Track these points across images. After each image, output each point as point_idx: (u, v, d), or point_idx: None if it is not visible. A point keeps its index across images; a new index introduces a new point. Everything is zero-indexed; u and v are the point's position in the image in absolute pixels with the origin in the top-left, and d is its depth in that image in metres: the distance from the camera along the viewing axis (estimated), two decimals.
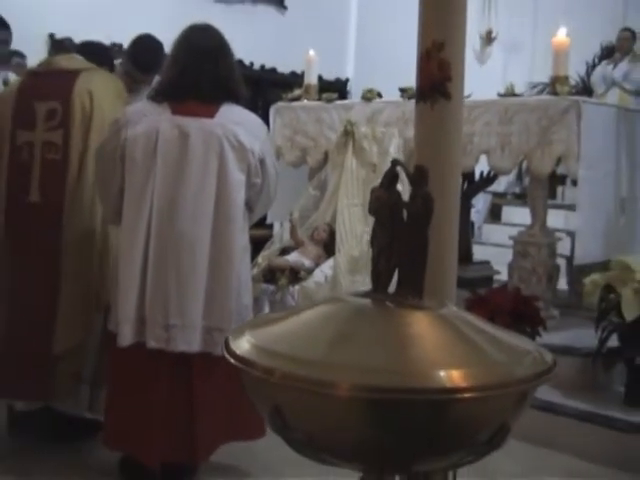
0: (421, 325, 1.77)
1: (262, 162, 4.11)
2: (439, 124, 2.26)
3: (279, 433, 1.76)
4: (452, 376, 1.65)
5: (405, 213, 1.81)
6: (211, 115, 4.02)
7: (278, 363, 1.68)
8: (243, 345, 1.78)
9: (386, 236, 1.81)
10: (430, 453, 1.75)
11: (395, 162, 1.82)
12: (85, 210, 4.44)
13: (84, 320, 4.41)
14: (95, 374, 4.48)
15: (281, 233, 6.87)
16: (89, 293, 4.45)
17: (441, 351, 1.73)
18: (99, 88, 4.54)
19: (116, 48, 7.73)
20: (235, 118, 4.08)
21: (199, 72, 4.05)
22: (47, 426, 4.62)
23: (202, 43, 4.13)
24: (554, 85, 5.75)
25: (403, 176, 1.89)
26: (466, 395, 1.64)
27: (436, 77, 2.25)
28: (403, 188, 1.87)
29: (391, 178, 1.81)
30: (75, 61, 4.75)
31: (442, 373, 1.66)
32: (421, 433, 1.68)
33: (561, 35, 5.81)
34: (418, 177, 1.81)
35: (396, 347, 1.71)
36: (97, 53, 4.95)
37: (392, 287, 1.88)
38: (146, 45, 5.40)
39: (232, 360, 1.77)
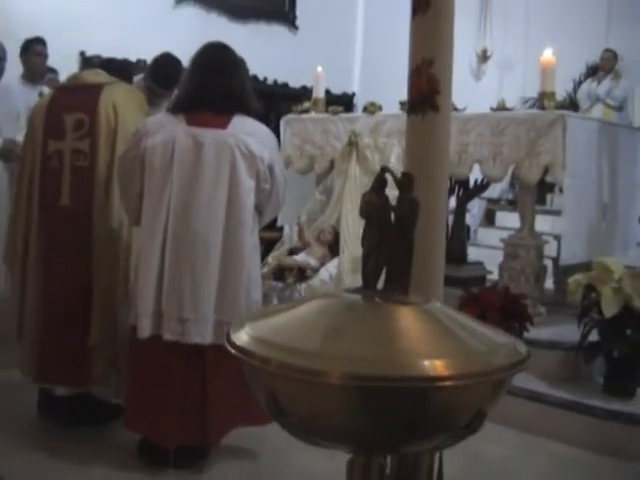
0: (407, 319, 1.77)
1: (271, 169, 4.12)
2: (428, 134, 2.27)
3: (275, 418, 1.76)
4: (435, 365, 1.66)
5: (393, 216, 1.81)
6: (224, 126, 4.04)
7: (274, 353, 1.68)
8: (242, 336, 1.79)
9: (375, 237, 1.81)
10: (414, 436, 1.76)
11: (384, 169, 1.82)
12: (112, 213, 4.46)
13: (114, 314, 4.43)
14: (120, 363, 4.48)
15: (290, 235, 6.89)
16: (117, 289, 4.47)
17: (425, 343, 1.73)
18: (122, 100, 4.57)
19: (141, 64, 7.77)
20: (246, 129, 4.09)
21: (213, 86, 4.07)
22: (77, 409, 4.63)
23: (216, 60, 4.16)
24: (542, 100, 5.75)
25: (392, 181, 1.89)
26: (447, 383, 1.65)
27: (426, 91, 2.25)
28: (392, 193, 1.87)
29: (380, 183, 1.81)
30: (100, 76, 4.77)
31: (426, 363, 1.66)
32: (406, 418, 1.68)
33: (547, 54, 5.81)
34: (405, 183, 1.81)
35: (384, 339, 1.71)
36: (118, 69, 4.97)
37: (381, 284, 1.88)
38: (165, 63, 5.46)
39: (232, 350, 1.77)
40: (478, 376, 1.68)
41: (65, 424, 4.60)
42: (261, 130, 4.22)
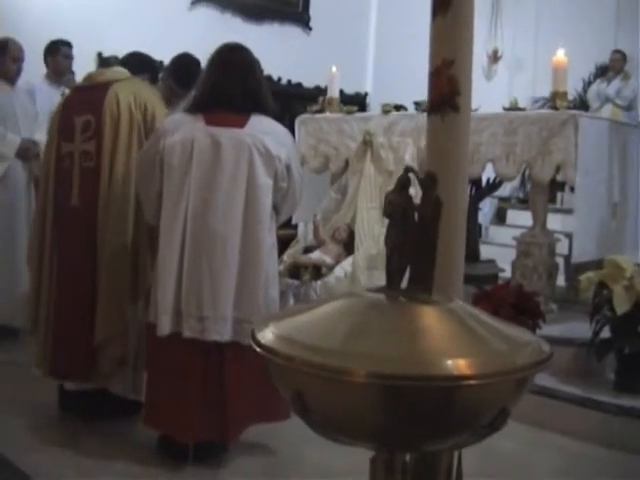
0: (431, 318, 1.76)
1: (288, 168, 4.11)
2: (449, 134, 2.25)
3: (300, 415, 1.75)
4: (459, 364, 1.64)
5: (416, 215, 1.79)
6: (241, 125, 4.02)
7: (299, 351, 1.67)
8: (267, 335, 1.77)
9: (398, 236, 1.79)
10: (438, 435, 1.74)
11: (407, 169, 1.81)
12: (116, 213, 4.45)
13: (119, 312, 4.42)
14: (136, 359, 4.48)
15: (305, 233, 6.88)
16: (123, 287, 4.44)
17: (449, 342, 1.71)
18: (125, 91, 4.53)
19: (157, 64, 7.78)
20: (263, 128, 4.08)
21: (230, 86, 4.06)
22: (95, 404, 4.64)
23: (233, 60, 4.15)
24: (554, 100, 5.74)
25: (415, 181, 1.88)
26: (471, 382, 1.63)
27: (446, 92, 2.23)
28: (415, 192, 1.85)
29: (404, 183, 1.79)
30: (110, 73, 4.76)
31: (450, 362, 1.64)
32: (430, 417, 1.67)
33: (560, 55, 5.80)
34: (428, 182, 1.79)
35: (407, 338, 1.70)
36: (141, 62, 4.95)
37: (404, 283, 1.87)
38: (186, 63, 5.51)
39: (257, 348, 1.76)
40: (502, 375, 1.66)
41: (84, 419, 4.60)
42: (278, 129, 4.20)
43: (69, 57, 7.50)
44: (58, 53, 7.42)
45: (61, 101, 4.87)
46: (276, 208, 4.20)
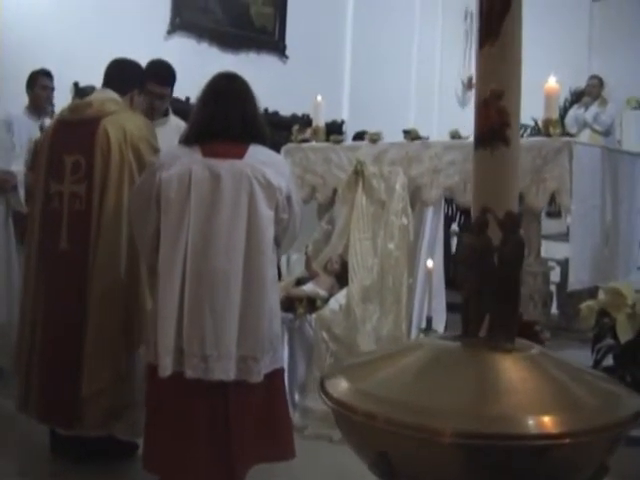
0: (515, 370, 1.65)
1: (288, 199, 4.00)
2: (499, 169, 2.13)
3: (383, 478, 1.61)
4: (549, 422, 1.53)
5: (496, 258, 1.67)
6: (240, 156, 3.90)
7: (382, 408, 1.54)
8: (341, 388, 1.64)
9: (475, 281, 1.67)
10: None
11: (485, 209, 1.69)
12: (107, 256, 4.30)
13: (112, 362, 4.25)
14: (137, 401, 4.30)
15: (293, 265, 6.75)
16: (114, 336, 4.27)
17: (536, 396, 1.61)
18: (115, 128, 4.37)
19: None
20: (263, 158, 3.95)
21: (228, 115, 3.94)
22: (88, 447, 4.44)
23: (229, 89, 4.04)
24: (547, 127, 5.67)
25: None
26: (563, 441, 1.51)
27: (496, 124, 2.12)
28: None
29: (481, 224, 1.68)
30: (98, 104, 4.54)
31: (539, 419, 1.53)
32: (520, 477, 1.54)
33: (551, 82, 5.76)
34: (509, 222, 1.68)
35: (493, 392, 1.59)
36: (127, 80, 4.74)
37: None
38: (161, 62, 5.62)
39: (329, 403, 1.62)
40: (595, 432, 1.55)
41: (77, 462, 4.42)
42: (277, 159, 4.13)
43: (47, 87, 7.33)
44: (35, 84, 7.28)
45: (46, 135, 4.66)
46: (276, 241, 4.07)
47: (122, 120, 4.44)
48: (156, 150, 4.43)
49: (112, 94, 4.61)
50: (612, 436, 1.59)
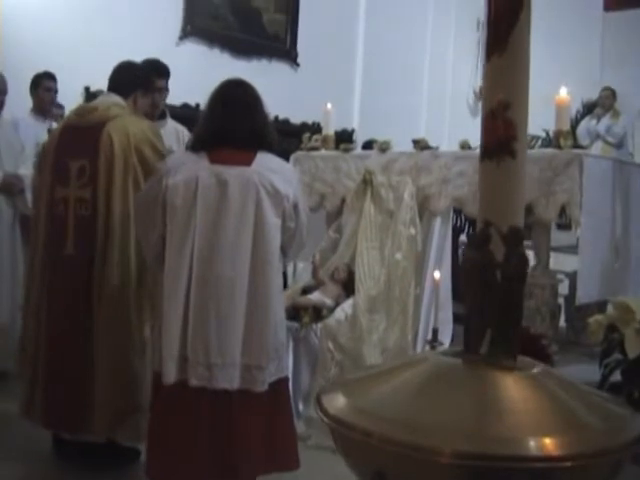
0: (516, 388, 1.61)
1: (295, 207, 3.97)
2: (505, 182, 2.09)
3: None
4: (550, 444, 1.49)
5: (499, 273, 1.64)
6: (248, 163, 3.87)
7: (378, 426, 1.50)
8: (338, 405, 1.60)
9: (477, 297, 1.64)
10: None
11: (488, 223, 1.65)
12: (119, 263, 4.29)
13: (122, 373, 4.26)
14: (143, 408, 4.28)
15: (300, 273, 6.71)
16: (125, 342, 4.28)
17: (538, 416, 1.56)
18: (119, 133, 4.37)
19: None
20: (270, 166, 3.93)
21: (236, 122, 3.92)
22: (92, 452, 4.44)
23: (237, 96, 4.02)
24: (557, 139, 5.62)
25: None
26: (565, 464, 1.47)
27: (502, 136, 2.08)
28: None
29: (483, 239, 1.64)
30: (103, 108, 4.53)
31: (540, 440, 1.49)
32: None
33: (562, 93, 5.72)
34: (512, 237, 1.64)
35: (493, 412, 1.55)
36: (130, 82, 4.76)
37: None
38: (155, 59, 5.99)
39: (326, 419, 1.58)
40: (598, 455, 1.51)
41: (81, 469, 4.41)
42: (285, 167, 4.11)
43: (50, 90, 7.43)
44: (39, 87, 7.39)
45: (53, 139, 4.65)
46: (283, 249, 4.04)
47: (126, 124, 4.44)
48: (161, 153, 4.42)
49: (116, 98, 4.62)
50: (615, 459, 1.55)
